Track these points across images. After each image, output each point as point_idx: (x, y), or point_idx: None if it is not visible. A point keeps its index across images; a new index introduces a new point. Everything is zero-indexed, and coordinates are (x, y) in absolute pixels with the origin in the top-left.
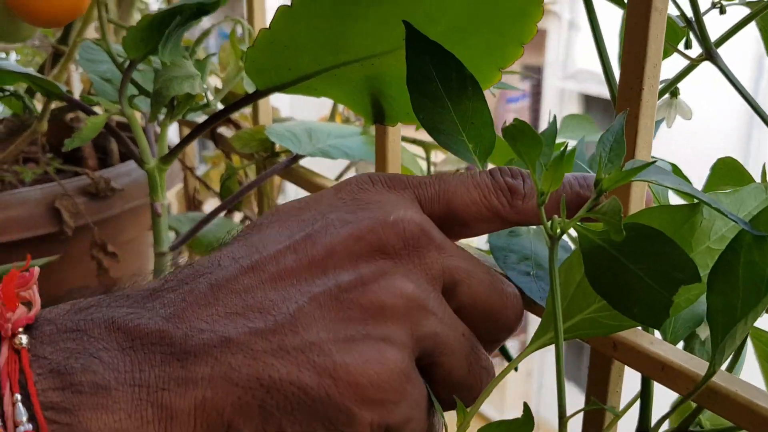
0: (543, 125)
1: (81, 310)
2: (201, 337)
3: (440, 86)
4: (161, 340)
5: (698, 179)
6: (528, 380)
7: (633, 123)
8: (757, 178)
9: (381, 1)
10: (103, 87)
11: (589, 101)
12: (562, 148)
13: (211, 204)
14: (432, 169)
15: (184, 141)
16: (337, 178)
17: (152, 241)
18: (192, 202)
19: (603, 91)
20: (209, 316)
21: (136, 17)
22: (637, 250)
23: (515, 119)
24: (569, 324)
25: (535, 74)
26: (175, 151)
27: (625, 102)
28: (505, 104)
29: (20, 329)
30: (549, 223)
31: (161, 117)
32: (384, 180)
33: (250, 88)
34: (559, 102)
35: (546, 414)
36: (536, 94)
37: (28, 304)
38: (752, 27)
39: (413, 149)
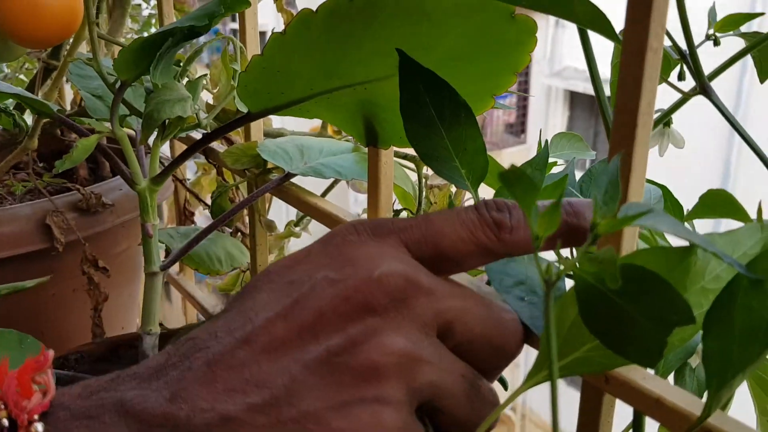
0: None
1: (92, 394)
2: (203, 416)
3: (434, 113)
4: (167, 422)
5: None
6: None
7: (626, 161)
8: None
9: (375, 31)
10: (94, 104)
11: (575, 98)
12: (553, 172)
13: (203, 213)
14: (423, 184)
15: (176, 161)
16: (325, 193)
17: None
18: (183, 213)
19: (588, 88)
20: (209, 394)
21: (128, 24)
22: (632, 291)
23: (512, 165)
24: (563, 363)
25: (521, 72)
26: (167, 171)
27: (618, 138)
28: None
29: (36, 416)
30: (544, 268)
31: (152, 137)
32: (369, 229)
33: (243, 108)
34: (545, 99)
35: (534, 406)
36: (523, 91)
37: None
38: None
39: (403, 164)
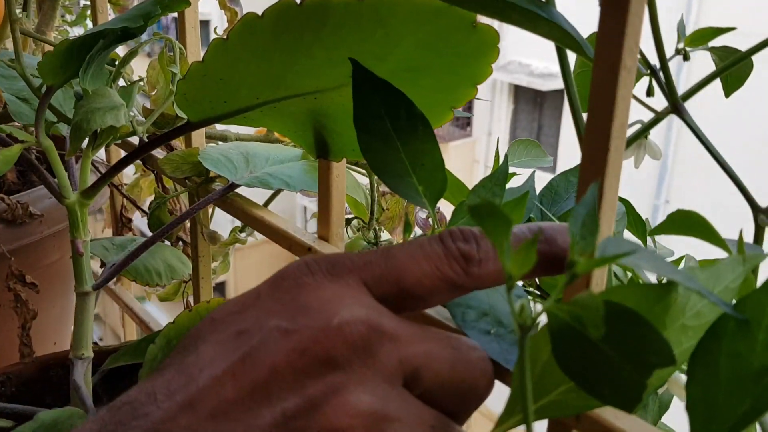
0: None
1: None
2: None
3: (389, 125)
4: None
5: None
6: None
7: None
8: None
9: (326, 38)
10: (19, 108)
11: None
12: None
13: (140, 219)
14: (375, 190)
15: (109, 173)
16: (269, 201)
17: None
18: (119, 220)
19: (533, 82)
20: None
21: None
22: (610, 330)
23: (483, 200)
24: (536, 406)
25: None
26: (98, 184)
27: (589, 163)
28: None
29: None
30: (518, 309)
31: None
32: (324, 268)
33: (183, 114)
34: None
35: (495, 407)
36: None
37: None
38: None
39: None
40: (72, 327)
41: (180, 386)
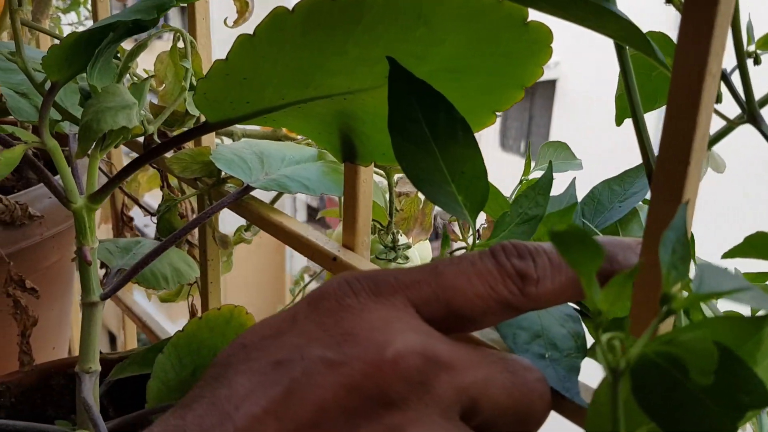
0: None
1: None
2: None
3: (427, 130)
4: None
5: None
6: None
7: (670, 206)
8: None
9: (361, 36)
10: (17, 103)
11: None
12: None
13: (139, 215)
14: (394, 194)
15: (119, 176)
16: (273, 201)
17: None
18: (120, 219)
19: None
20: None
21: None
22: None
23: (571, 226)
24: None
25: None
26: (107, 188)
27: (665, 178)
28: None
29: None
30: (608, 352)
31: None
32: (368, 287)
33: (195, 111)
34: None
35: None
36: None
37: None
38: None
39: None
40: (70, 331)
41: (214, 425)
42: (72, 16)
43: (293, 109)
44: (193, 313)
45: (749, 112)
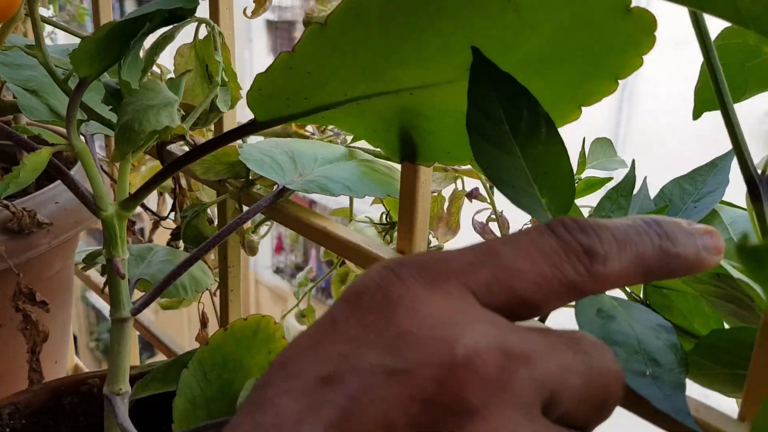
0: None
1: None
2: None
3: (507, 128)
4: None
5: None
6: None
7: None
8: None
9: (444, 23)
10: (29, 102)
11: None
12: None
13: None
14: None
15: (154, 180)
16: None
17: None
18: None
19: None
20: None
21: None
22: None
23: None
24: None
25: None
26: (141, 194)
27: None
28: None
29: None
30: None
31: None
32: (417, 273)
33: (225, 108)
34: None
35: None
36: None
37: None
38: None
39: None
40: (70, 342)
41: None
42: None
43: (351, 106)
44: (204, 322)
45: None
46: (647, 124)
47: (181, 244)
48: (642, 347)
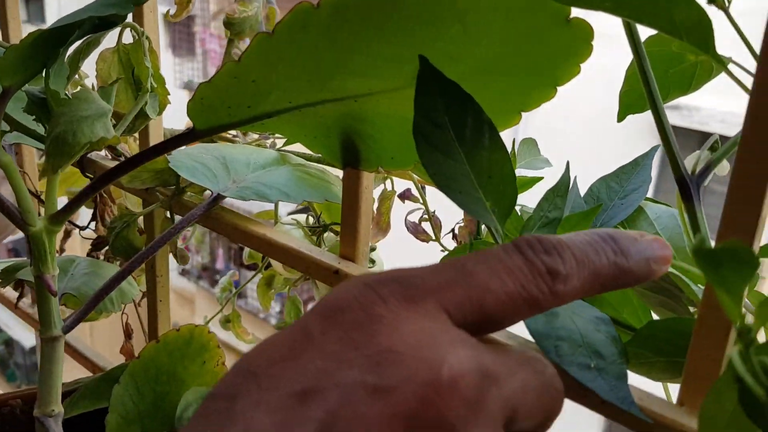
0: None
1: None
2: None
3: (452, 134)
4: None
5: None
6: None
7: (754, 205)
8: None
9: (391, 34)
10: None
11: None
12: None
13: None
14: None
15: (85, 193)
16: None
17: None
18: None
19: None
20: None
21: None
22: None
23: (730, 243)
24: None
25: None
26: (69, 209)
27: (745, 187)
28: None
29: None
30: (760, 371)
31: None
32: (397, 292)
33: (153, 114)
34: None
35: None
36: None
37: None
38: None
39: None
40: None
41: None
42: None
43: (294, 113)
44: (128, 334)
45: None
46: (544, 123)
47: (102, 254)
48: (585, 341)
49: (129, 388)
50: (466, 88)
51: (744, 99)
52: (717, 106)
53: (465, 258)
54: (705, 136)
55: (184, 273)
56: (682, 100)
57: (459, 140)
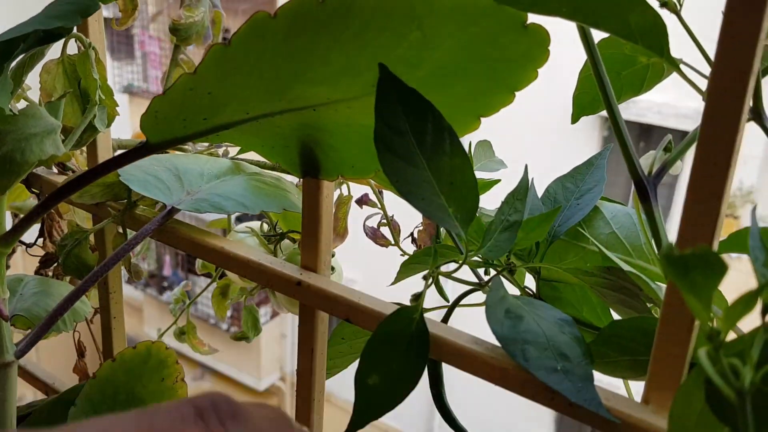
0: None
1: None
2: None
3: (414, 141)
4: None
5: None
6: (282, 342)
7: (712, 201)
8: None
9: (349, 42)
10: None
11: None
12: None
13: None
14: None
15: (36, 212)
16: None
17: None
18: None
19: None
20: None
21: None
22: None
23: (700, 248)
24: None
25: None
26: (19, 229)
27: (703, 179)
28: None
29: None
30: (730, 372)
31: None
32: None
33: (102, 127)
34: None
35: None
36: None
37: None
38: None
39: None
40: None
41: None
42: None
43: (251, 124)
44: (81, 352)
45: (755, 109)
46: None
47: (51, 271)
48: (551, 343)
49: (86, 410)
50: (425, 95)
51: (680, 92)
52: (654, 98)
53: (152, 410)
54: (643, 127)
55: (130, 281)
56: None
57: (420, 147)
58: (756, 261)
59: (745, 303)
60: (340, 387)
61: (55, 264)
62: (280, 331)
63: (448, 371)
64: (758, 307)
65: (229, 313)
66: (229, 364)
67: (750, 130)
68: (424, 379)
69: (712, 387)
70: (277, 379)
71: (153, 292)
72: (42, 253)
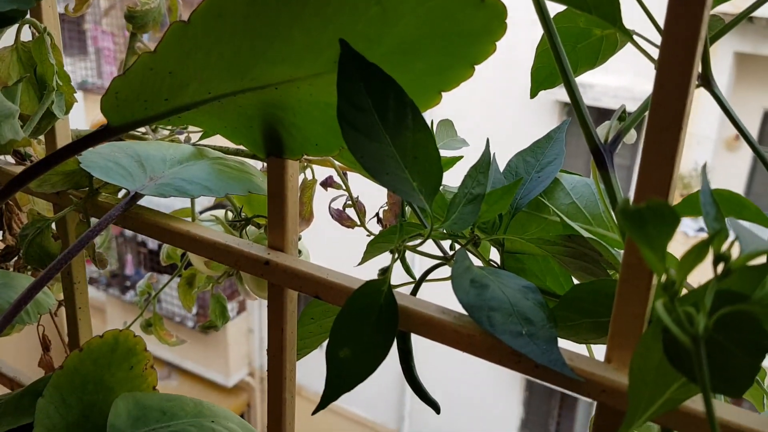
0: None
1: None
2: None
3: (376, 117)
4: None
5: None
6: (249, 337)
7: (666, 166)
8: None
9: (309, 20)
10: None
11: None
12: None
13: None
14: None
15: None
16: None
17: None
18: None
19: None
20: None
21: None
22: (725, 321)
23: (652, 201)
24: (651, 411)
25: None
26: None
27: (658, 143)
28: None
29: None
30: (685, 319)
31: None
32: None
33: (61, 114)
34: None
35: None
36: None
37: None
38: None
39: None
40: None
41: None
42: None
43: (213, 105)
44: (46, 346)
45: (704, 75)
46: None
47: (12, 265)
48: (515, 309)
49: (54, 400)
50: (386, 71)
51: (635, 76)
52: (609, 83)
53: None
54: (600, 111)
55: (92, 282)
56: (577, 79)
57: (383, 123)
58: (707, 215)
59: (697, 253)
60: (311, 380)
61: (16, 257)
62: (247, 326)
63: (422, 365)
64: (710, 257)
65: (194, 311)
66: (197, 361)
67: (704, 113)
68: (395, 370)
69: (669, 336)
70: (246, 374)
71: (115, 292)
72: (1, 246)
